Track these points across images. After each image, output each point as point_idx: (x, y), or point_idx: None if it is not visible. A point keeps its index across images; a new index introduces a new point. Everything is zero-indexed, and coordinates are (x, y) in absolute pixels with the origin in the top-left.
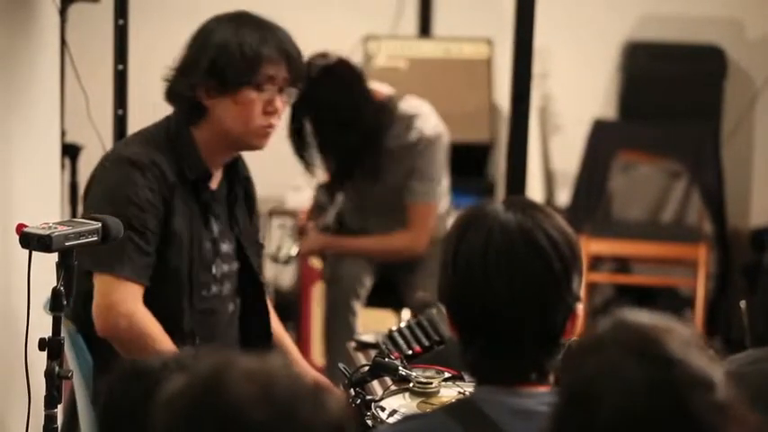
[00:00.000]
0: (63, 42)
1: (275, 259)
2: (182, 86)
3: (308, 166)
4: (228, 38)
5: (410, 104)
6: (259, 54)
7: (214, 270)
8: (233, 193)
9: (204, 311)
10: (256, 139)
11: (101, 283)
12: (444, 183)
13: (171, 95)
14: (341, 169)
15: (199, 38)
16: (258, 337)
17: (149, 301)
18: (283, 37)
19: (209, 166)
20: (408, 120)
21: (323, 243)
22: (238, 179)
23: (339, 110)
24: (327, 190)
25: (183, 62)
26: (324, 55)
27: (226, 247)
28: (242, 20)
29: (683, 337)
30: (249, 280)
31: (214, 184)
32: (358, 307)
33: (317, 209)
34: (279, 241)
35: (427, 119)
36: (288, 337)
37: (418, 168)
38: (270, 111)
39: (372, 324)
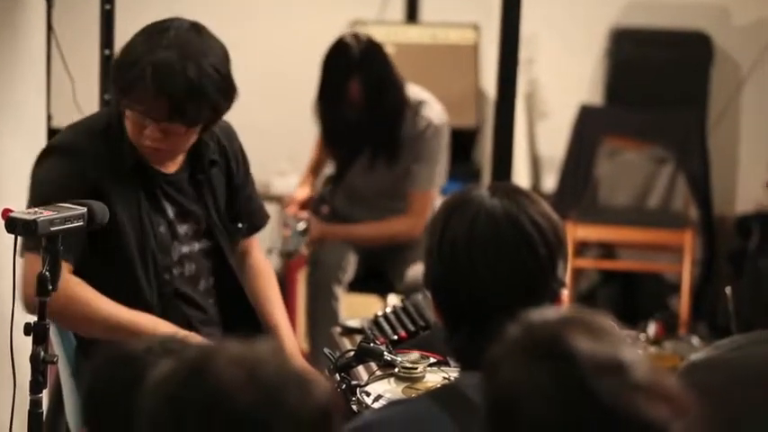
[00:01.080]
0: (49, 27)
1: (281, 254)
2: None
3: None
4: (126, 58)
5: (414, 91)
6: (131, 87)
7: (172, 253)
8: (198, 175)
9: (168, 294)
10: (145, 154)
11: (26, 262)
12: (443, 170)
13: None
14: (362, 148)
15: (127, 44)
16: (237, 316)
17: (111, 292)
18: (190, 72)
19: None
20: (416, 107)
21: (323, 231)
22: (203, 163)
23: (385, 86)
24: (335, 179)
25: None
26: (356, 35)
27: (186, 228)
28: (163, 46)
29: (589, 327)
30: (221, 262)
31: (172, 167)
32: (340, 292)
33: (320, 199)
34: (284, 235)
35: (433, 106)
36: (286, 326)
37: (422, 155)
38: (147, 135)
39: (358, 310)
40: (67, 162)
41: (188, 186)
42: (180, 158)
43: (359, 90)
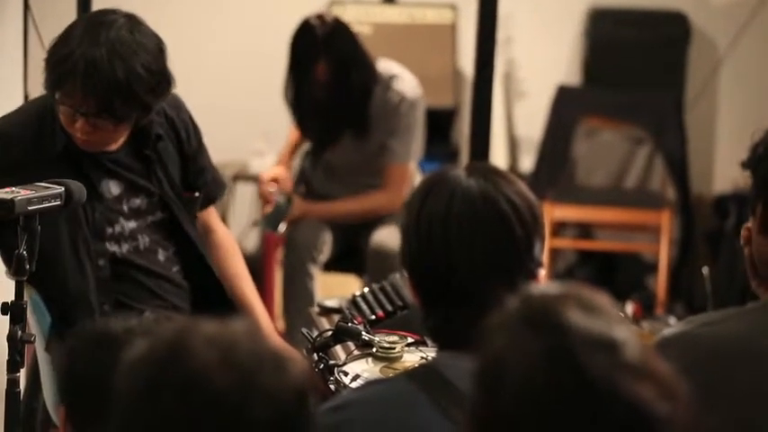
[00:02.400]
0: (26, 6)
1: (265, 227)
2: None
3: (305, 129)
4: (60, 50)
5: (386, 66)
6: (61, 81)
7: (112, 230)
8: (144, 151)
9: (104, 279)
10: (77, 142)
11: None
12: (419, 143)
13: None
14: (340, 127)
15: (63, 34)
16: (202, 283)
17: (39, 281)
18: (117, 70)
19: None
20: (388, 81)
21: (303, 209)
22: (148, 138)
23: (351, 67)
24: (313, 156)
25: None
26: (321, 16)
27: (138, 202)
28: (91, 28)
29: (585, 303)
30: (179, 231)
31: (114, 145)
32: (315, 271)
33: (301, 176)
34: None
35: (405, 80)
36: (258, 302)
37: (397, 129)
38: (77, 127)
39: (335, 289)
40: None
41: (135, 162)
42: (120, 139)
43: (325, 71)
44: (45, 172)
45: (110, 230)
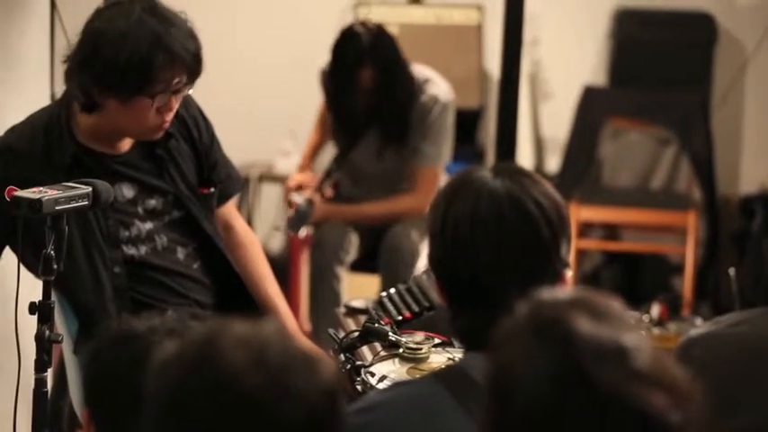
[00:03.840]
0: (53, 6)
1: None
2: (73, 83)
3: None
4: (119, 46)
5: (419, 70)
6: (150, 66)
7: (128, 233)
8: (155, 150)
9: (122, 286)
10: (149, 135)
11: None
12: (449, 147)
13: (66, 82)
14: (388, 132)
15: (90, 36)
16: (222, 279)
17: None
18: (180, 36)
19: (93, 144)
20: (421, 85)
21: (327, 212)
22: (159, 138)
23: (394, 71)
24: (339, 159)
25: (75, 60)
26: (364, 22)
27: (153, 203)
28: (135, 18)
29: (595, 310)
30: (197, 228)
31: (123, 147)
32: (342, 272)
33: (326, 179)
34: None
35: (439, 84)
36: (283, 303)
37: (429, 132)
38: (164, 111)
39: (361, 290)
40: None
41: (145, 162)
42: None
43: (370, 78)
44: (62, 178)
45: (126, 234)
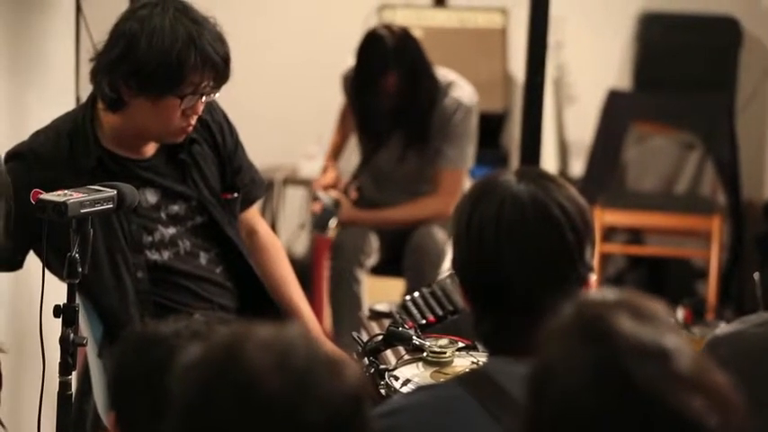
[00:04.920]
0: (78, 9)
1: (314, 229)
2: (103, 80)
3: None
4: (153, 45)
5: (443, 73)
6: (183, 66)
7: (151, 239)
8: (179, 155)
9: (145, 291)
10: (173, 137)
11: None
12: (472, 151)
13: (93, 81)
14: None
15: (123, 35)
16: (245, 284)
17: (94, 300)
18: (211, 39)
19: (117, 148)
20: (445, 88)
21: (353, 216)
22: (182, 143)
23: (419, 75)
24: (363, 162)
25: (106, 57)
26: (389, 26)
27: (177, 208)
28: (170, 18)
29: (638, 311)
30: (220, 233)
31: (148, 152)
32: (363, 276)
33: (353, 181)
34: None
35: (462, 87)
36: (306, 307)
37: (453, 135)
38: (190, 114)
39: (383, 293)
40: (21, 171)
41: (169, 168)
42: (152, 144)
43: (395, 82)
44: (86, 182)
45: (149, 239)
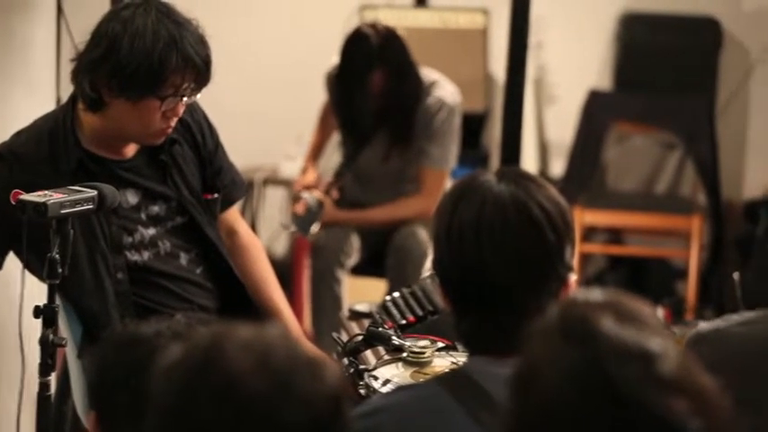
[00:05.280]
0: (59, 10)
1: (296, 230)
2: (84, 81)
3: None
4: (135, 46)
5: (426, 72)
6: (164, 67)
7: (131, 239)
8: (160, 156)
9: (124, 293)
10: (152, 139)
11: None
12: (455, 151)
13: (74, 81)
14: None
15: (105, 35)
16: (225, 285)
17: (73, 302)
18: (193, 42)
19: (98, 149)
20: (428, 87)
21: (335, 216)
22: (163, 144)
23: (404, 73)
24: (346, 162)
25: (88, 58)
26: (374, 25)
27: (157, 209)
28: (152, 20)
29: (623, 312)
30: (200, 234)
31: (129, 153)
32: (343, 276)
33: (336, 180)
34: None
35: (446, 87)
36: (286, 308)
37: (436, 135)
38: (170, 116)
39: (363, 293)
40: (1, 172)
41: (149, 168)
42: (132, 144)
43: (380, 80)
44: (66, 184)
45: (129, 240)
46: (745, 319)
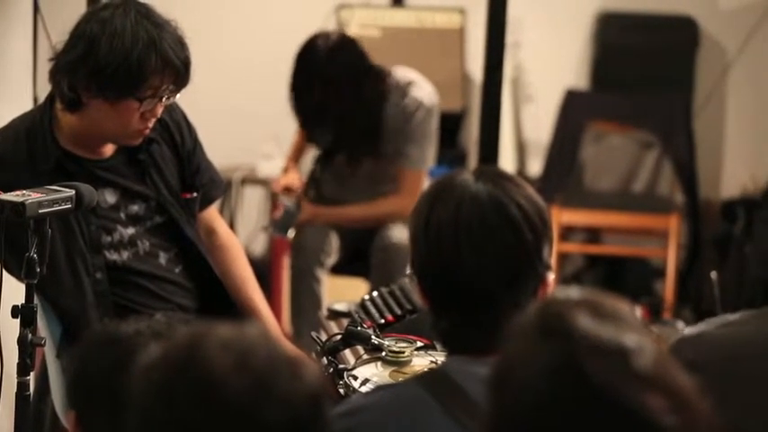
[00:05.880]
0: (36, 9)
1: (274, 232)
2: (62, 81)
3: (314, 139)
4: (113, 47)
5: (403, 73)
6: (143, 69)
7: (110, 239)
8: (138, 156)
9: (103, 292)
10: (130, 140)
11: None
12: (433, 151)
13: (52, 81)
14: (347, 140)
15: (84, 36)
16: (204, 284)
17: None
18: (172, 43)
19: (76, 149)
20: (405, 87)
21: (313, 213)
22: (141, 143)
23: (351, 84)
24: (323, 162)
25: (66, 58)
26: (326, 34)
27: (136, 208)
28: (131, 21)
29: (600, 310)
30: (179, 233)
31: (107, 152)
32: (323, 275)
33: (311, 181)
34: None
35: (423, 87)
36: (265, 307)
37: (413, 135)
38: (148, 117)
39: (343, 293)
40: None
41: (128, 168)
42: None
43: (325, 89)
44: (44, 183)
45: (108, 239)
46: (730, 321)
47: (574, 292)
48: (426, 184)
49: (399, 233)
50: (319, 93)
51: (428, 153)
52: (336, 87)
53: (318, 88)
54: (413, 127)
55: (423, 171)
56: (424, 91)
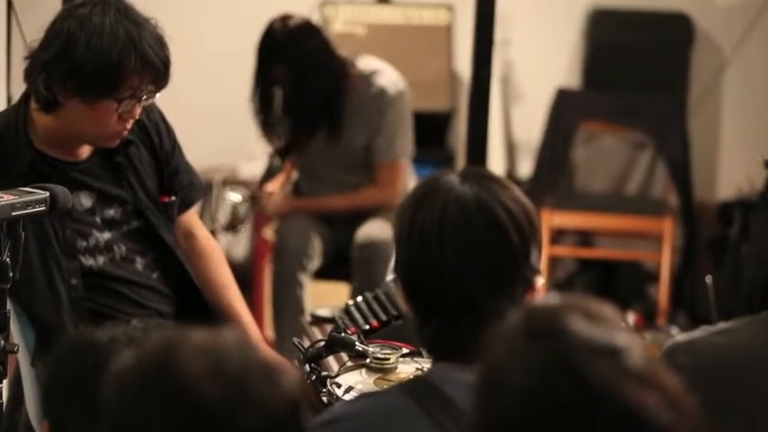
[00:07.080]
0: (10, 6)
1: (228, 229)
2: (38, 80)
3: (268, 132)
4: (91, 46)
5: (368, 62)
6: (121, 68)
7: (86, 243)
8: (115, 158)
9: (79, 298)
10: (107, 141)
11: None
12: (408, 138)
13: (27, 80)
14: (303, 131)
15: (61, 34)
16: (181, 289)
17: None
18: (152, 42)
19: (51, 150)
20: (368, 77)
21: (291, 204)
22: (118, 146)
23: (308, 71)
24: (283, 155)
25: (42, 56)
26: (286, 17)
27: (112, 212)
28: (110, 19)
29: (589, 312)
30: (156, 238)
31: (82, 154)
32: (305, 279)
33: (269, 174)
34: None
35: (386, 75)
36: (246, 312)
37: (380, 126)
38: (126, 118)
39: (325, 297)
40: None
41: (104, 170)
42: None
43: (283, 74)
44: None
45: (83, 244)
46: (724, 328)
47: (556, 297)
48: (408, 174)
49: (379, 229)
50: (278, 74)
51: (401, 140)
52: (295, 69)
53: (277, 69)
54: (378, 118)
55: (398, 161)
56: (388, 79)
